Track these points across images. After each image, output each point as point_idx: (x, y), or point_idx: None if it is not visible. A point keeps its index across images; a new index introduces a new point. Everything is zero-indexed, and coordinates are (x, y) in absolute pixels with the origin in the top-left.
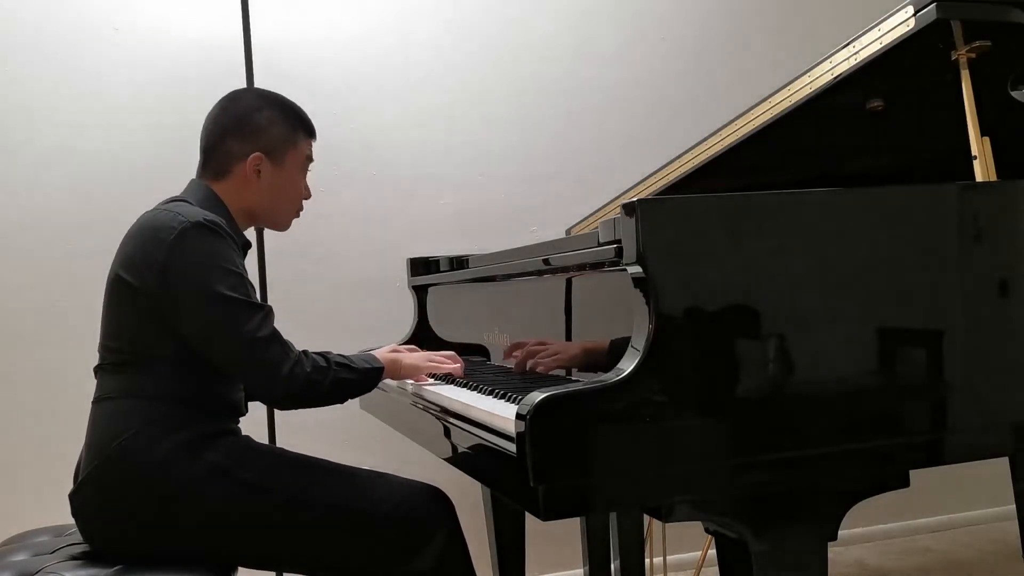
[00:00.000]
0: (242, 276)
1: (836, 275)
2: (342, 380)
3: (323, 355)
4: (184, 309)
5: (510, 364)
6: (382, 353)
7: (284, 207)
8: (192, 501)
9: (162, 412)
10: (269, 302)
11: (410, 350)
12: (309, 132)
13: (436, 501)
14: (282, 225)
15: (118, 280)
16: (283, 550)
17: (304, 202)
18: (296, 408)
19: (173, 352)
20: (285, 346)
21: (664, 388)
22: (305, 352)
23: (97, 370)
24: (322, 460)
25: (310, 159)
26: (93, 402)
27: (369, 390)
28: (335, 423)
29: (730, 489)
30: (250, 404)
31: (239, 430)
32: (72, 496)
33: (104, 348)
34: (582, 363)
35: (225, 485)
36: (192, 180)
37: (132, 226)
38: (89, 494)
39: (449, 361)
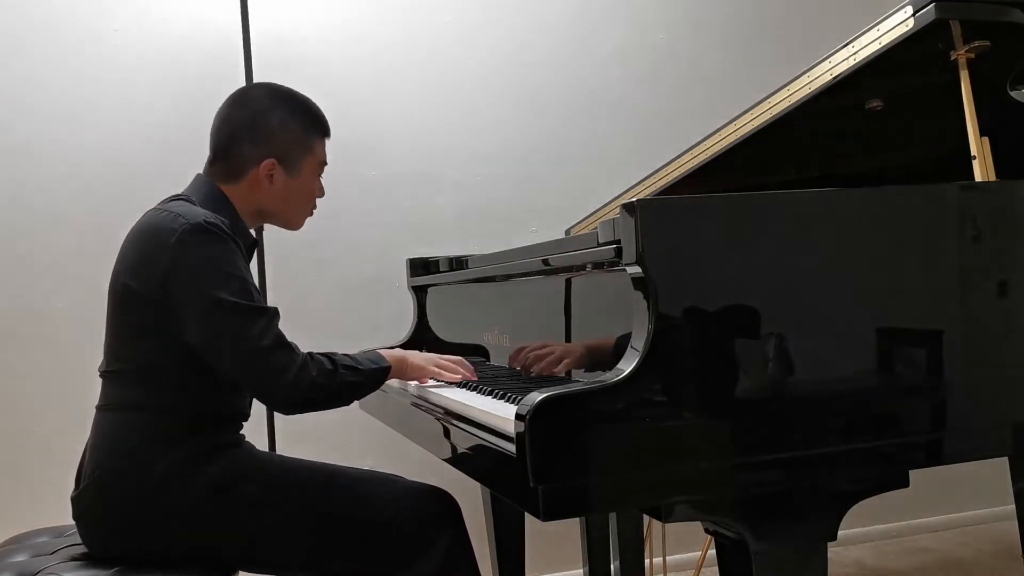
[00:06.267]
0: (245, 279)
1: (836, 275)
2: (348, 383)
3: (329, 357)
4: (186, 316)
5: (515, 366)
6: (389, 352)
7: (297, 211)
8: (194, 515)
9: (166, 426)
10: (269, 303)
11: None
12: (323, 132)
13: (441, 503)
14: (295, 226)
15: (123, 286)
16: (287, 556)
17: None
18: (302, 412)
19: (180, 362)
20: (290, 351)
21: (664, 388)
22: (310, 355)
23: (103, 375)
24: (325, 465)
25: (324, 164)
26: (97, 408)
27: (375, 389)
28: (335, 424)
29: (730, 489)
30: (251, 407)
31: (242, 438)
32: (74, 500)
33: (110, 355)
34: (588, 364)
35: (227, 500)
36: (198, 175)
37: (132, 229)
38: (91, 502)
39: (458, 367)
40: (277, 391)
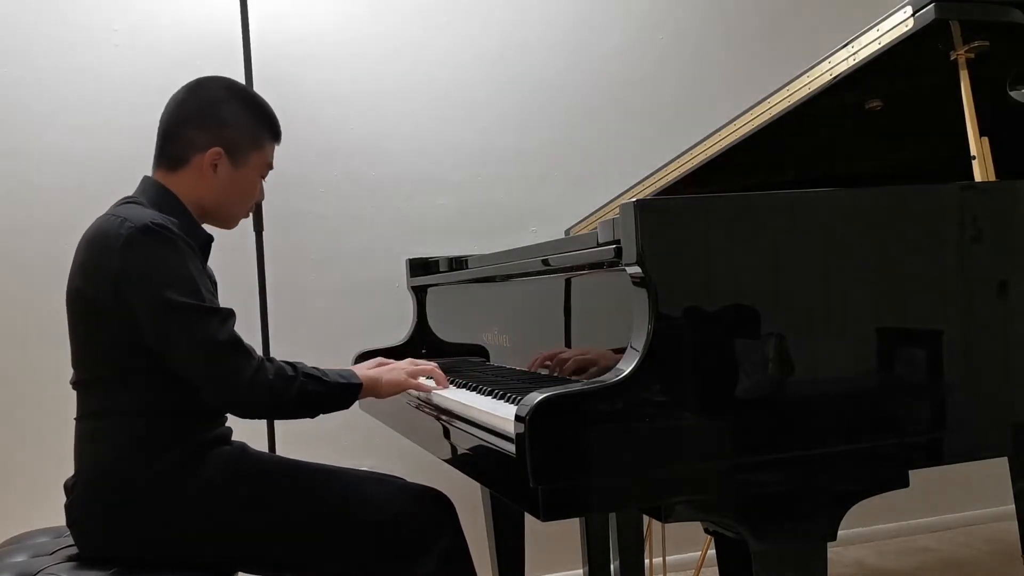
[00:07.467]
0: (195, 280)
1: (835, 275)
2: (309, 392)
3: (291, 364)
4: (140, 320)
5: (537, 370)
6: (363, 370)
7: (235, 208)
8: (189, 518)
9: (147, 430)
10: (269, 304)
11: (379, 363)
12: (275, 135)
13: (438, 506)
14: (230, 224)
15: (75, 293)
16: (283, 559)
17: (303, 201)
18: (258, 418)
19: (146, 363)
20: (246, 353)
21: (663, 388)
22: (269, 359)
23: (73, 386)
24: (321, 466)
25: (271, 166)
26: (76, 419)
27: (344, 407)
28: (335, 425)
29: (729, 489)
30: None
31: (229, 432)
32: (67, 508)
33: (78, 364)
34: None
35: (220, 502)
36: (145, 177)
37: (83, 235)
38: (83, 511)
39: (434, 371)
40: (231, 393)
